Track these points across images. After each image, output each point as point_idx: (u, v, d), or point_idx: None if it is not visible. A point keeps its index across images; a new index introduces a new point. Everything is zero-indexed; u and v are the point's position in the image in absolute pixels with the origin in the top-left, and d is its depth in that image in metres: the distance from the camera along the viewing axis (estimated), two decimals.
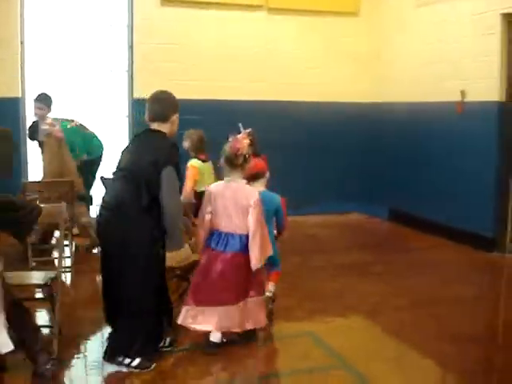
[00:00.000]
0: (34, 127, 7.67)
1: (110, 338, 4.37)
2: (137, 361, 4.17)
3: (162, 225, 4.18)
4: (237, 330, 4.51)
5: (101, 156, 8.05)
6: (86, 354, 4.55)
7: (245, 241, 4.44)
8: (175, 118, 4.41)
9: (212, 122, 8.17)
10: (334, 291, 6.09)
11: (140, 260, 4.12)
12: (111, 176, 4.51)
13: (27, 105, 8.53)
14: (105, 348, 4.32)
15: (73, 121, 7.90)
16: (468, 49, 7.85)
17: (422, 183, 8.75)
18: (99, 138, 8.08)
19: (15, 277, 4.26)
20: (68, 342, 4.55)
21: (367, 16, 9.91)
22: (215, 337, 4.46)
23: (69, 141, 7.59)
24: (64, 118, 7.86)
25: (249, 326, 4.58)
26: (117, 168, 4.39)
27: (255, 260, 4.42)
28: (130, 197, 4.13)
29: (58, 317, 4.46)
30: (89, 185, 7.87)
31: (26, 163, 8.63)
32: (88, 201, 7.92)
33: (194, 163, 6.33)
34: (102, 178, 6.99)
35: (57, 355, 4.22)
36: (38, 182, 7.03)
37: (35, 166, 8.28)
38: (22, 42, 8.53)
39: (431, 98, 8.46)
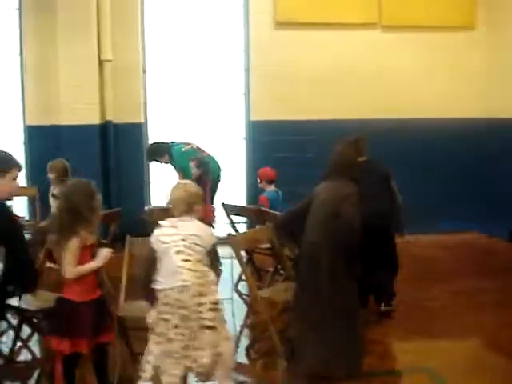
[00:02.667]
0: (154, 149, 8.03)
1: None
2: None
3: None
4: None
5: (218, 179, 8.24)
6: None
7: None
8: None
9: (325, 141, 8.28)
10: (448, 321, 5.95)
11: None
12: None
13: (149, 129, 8.99)
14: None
15: (189, 144, 8.17)
16: None
17: None
18: (216, 160, 8.29)
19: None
20: None
21: (484, 30, 9.65)
22: None
23: (184, 164, 7.90)
24: (181, 141, 8.20)
25: None
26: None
27: None
28: (387, 206, 5.73)
29: None
30: None
31: (149, 188, 9.05)
32: None
33: None
34: (223, 204, 7.22)
35: None
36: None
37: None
38: (144, 71, 9.02)
39: None
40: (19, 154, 9.14)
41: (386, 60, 9.35)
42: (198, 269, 3.96)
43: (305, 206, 4.99)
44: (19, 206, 8.97)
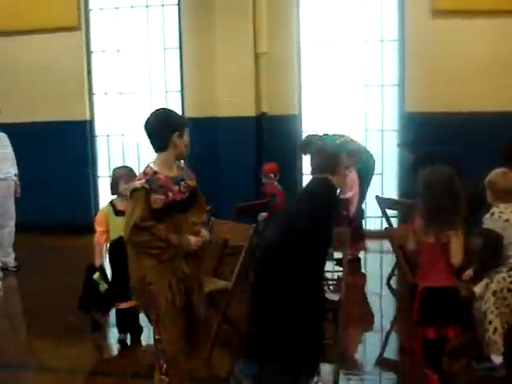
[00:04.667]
0: (307, 141, 8.06)
1: None
2: None
3: None
4: None
5: (370, 172, 8.17)
6: None
7: None
8: None
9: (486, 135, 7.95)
10: None
11: None
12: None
13: (303, 121, 9.09)
14: None
15: (343, 136, 8.13)
16: None
17: None
18: (370, 153, 8.22)
19: None
20: None
21: None
22: None
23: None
24: (334, 133, 8.17)
25: None
26: None
27: None
28: None
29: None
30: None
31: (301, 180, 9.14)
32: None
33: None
34: (377, 197, 7.15)
35: None
36: None
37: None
38: (299, 63, 9.17)
39: None
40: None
41: None
42: None
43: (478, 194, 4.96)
44: None
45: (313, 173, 4.27)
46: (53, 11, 9.43)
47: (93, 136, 10.00)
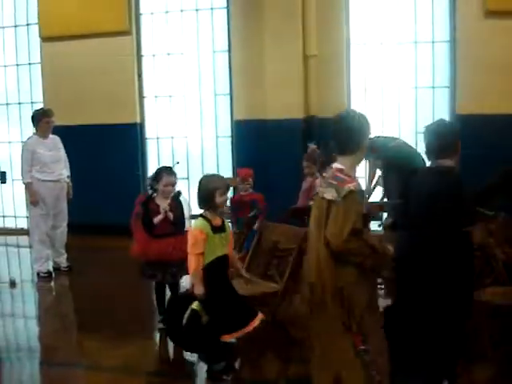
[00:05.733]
0: None
1: None
2: None
3: None
4: None
5: None
6: None
7: None
8: None
9: None
10: None
11: None
12: None
13: None
14: None
15: (396, 139, 8.06)
16: None
17: None
18: (422, 157, 8.09)
19: None
20: None
21: None
22: None
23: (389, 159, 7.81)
24: (386, 135, 8.10)
25: None
26: None
27: None
28: None
29: None
30: None
31: None
32: None
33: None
34: None
35: None
36: None
37: None
38: (348, 64, 9.12)
39: None
40: (227, 148, 9.64)
41: None
42: None
43: None
44: None
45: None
46: (104, 16, 9.61)
47: (143, 138, 10.12)
